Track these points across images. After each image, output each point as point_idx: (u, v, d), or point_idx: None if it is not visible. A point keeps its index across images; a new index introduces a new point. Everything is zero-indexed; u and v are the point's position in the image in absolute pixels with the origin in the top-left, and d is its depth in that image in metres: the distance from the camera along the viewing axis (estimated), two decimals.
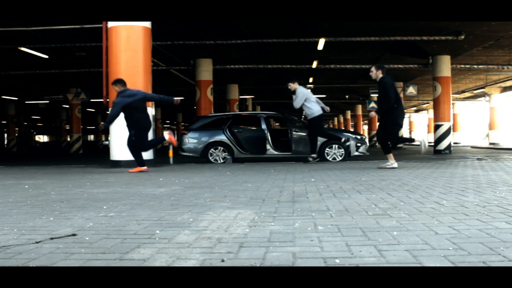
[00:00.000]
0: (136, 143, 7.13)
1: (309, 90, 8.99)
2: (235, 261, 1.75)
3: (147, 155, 8.25)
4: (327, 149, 9.96)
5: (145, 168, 7.18)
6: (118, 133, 8.14)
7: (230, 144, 10.17)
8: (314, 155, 8.81)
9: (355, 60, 16.84)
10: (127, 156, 8.09)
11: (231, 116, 10.96)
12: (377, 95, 24.99)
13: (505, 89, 27.61)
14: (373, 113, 7.25)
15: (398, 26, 12.60)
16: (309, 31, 12.96)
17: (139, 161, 7.21)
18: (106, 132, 43.19)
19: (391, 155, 6.93)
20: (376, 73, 6.84)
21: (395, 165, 6.87)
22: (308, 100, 8.56)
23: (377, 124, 7.53)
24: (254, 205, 3.21)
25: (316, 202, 3.30)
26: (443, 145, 15.72)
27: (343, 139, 9.00)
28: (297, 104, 8.58)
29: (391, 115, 6.73)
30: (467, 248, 1.86)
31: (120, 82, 7.08)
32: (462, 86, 26.20)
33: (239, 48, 14.47)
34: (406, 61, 16.67)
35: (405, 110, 7.35)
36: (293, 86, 8.69)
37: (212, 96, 15.92)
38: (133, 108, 6.93)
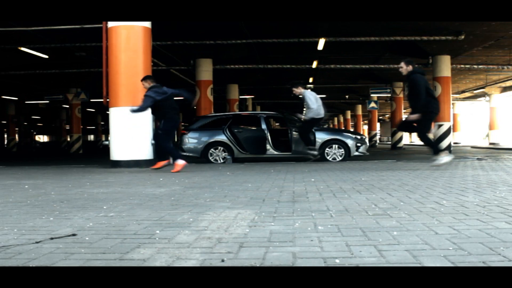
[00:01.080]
0: (160, 136, 7.06)
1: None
2: (235, 261, 1.75)
3: (147, 155, 8.25)
4: (327, 149, 9.96)
5: (167, 161, 7.22)
6: (118, 133, 8.15)
7: (230, 144, 10.17)
8: (314, 153, 8.84)
9: (355, 60, 16.84)
10: (127, 156, 8.10)
11: (231, 116, 10.96)
12: (377, 95, 24.87)
13: (505, 89, 27.61)
14: (413, 116, 6.34)
15: (398, 26, 12.60)
16: (309, 31, 12.95)
17: (162, 155, 7.24)
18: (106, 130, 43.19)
19: (442, 153, 6.43)
20: (406, 69, 6.53)
21: (449, 156, 6.46)
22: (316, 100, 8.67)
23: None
24: (254, 205, 3.21)
25: (316, 202, 3.30)
26: (443, 145, 15.72)
27: (315, 153, 9.01)
28: (313, 105, 8.59)
29: (424, 108, 6.25)
30: (467, 248, 1.86)
31: (150, 78, 7.09)
32: (462, 86, 26.20)
33: (239, 48, 14.47)
34: None
35: (439, 107, 6.66)
36: (298, 90, 8.76)
37: (212, 96, 15.93)
38: (162, 106, 6.94)
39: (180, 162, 6.88)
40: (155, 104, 6.87)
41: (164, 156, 7.28)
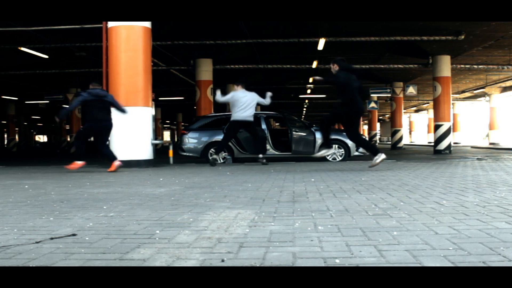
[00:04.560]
0: (77, 135, 7.82)
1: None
2: (235, 261, 1.75)
3: (147, 155, 8.26)
4: None
5: (82, 163, 7.45)
6: (118, 133, 8.15)
7: (230, 144, 10.17)
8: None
9: (355, 60, 16.83)
10: (127, 156, 8.10)
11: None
12: (377, 95, 24.89)
13: (505, 89, 27.61)
14: (317, 78, 6.84)
15: (398, 26, 12.60)
16: (309, 31, 12.95)
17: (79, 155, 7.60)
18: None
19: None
20: (333, 68, 6.87)
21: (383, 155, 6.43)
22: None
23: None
24: (254, 205, 3.21)
25: (316, 202, 3.30)
26: (443, 145, 15.74)
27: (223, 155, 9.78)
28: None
29: (342, 109, 6.57)
30: (467, 248, 1.86)
31: (95, 82, 7.65)
32: (462, 86, 26.20)
33: (239, 48, 14.47)
34: (406, 61, 16.67)
35: (362, 111, 6.85)
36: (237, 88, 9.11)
37: (212, 96, 15.93)
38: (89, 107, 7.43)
39: (79, 162, 7.39)
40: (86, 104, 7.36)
41: (80, 157, 7.56)
